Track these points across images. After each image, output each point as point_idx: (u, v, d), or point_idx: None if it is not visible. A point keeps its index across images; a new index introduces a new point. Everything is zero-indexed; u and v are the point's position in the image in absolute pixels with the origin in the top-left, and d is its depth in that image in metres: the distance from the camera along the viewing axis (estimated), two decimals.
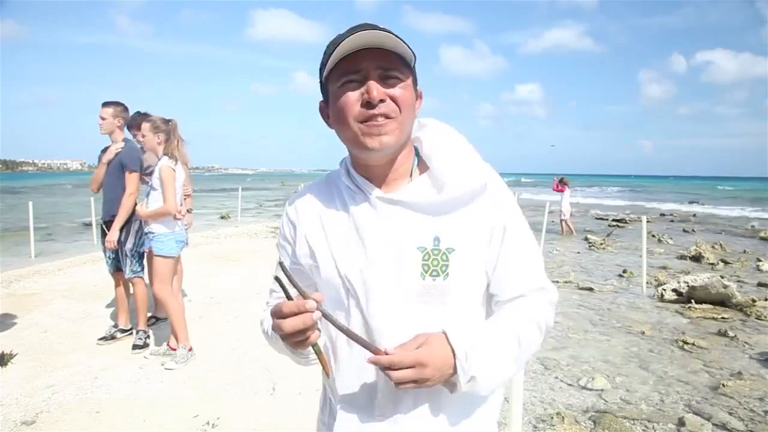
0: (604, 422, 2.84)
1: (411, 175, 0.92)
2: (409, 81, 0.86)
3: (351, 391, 0.90)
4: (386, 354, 0.77)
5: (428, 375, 0.76)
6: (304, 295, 0.76)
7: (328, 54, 0.83)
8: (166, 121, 3.53)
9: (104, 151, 3.98)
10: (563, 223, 12.18)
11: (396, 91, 0.83)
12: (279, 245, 1.03)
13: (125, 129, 4.45)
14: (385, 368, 0.76)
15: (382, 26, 0.85)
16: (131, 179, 3.78)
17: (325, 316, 0.77)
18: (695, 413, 2.98)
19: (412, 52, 0.87)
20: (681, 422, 2.87)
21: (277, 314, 0.78)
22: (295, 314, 0.75)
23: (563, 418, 2.87)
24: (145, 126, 3.53)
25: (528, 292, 0.90)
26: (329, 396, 0.99)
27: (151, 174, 3.78)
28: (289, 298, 0.77)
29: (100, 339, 3.88)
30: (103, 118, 3.80)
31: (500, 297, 0.91)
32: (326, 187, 0.98)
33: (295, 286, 0.76)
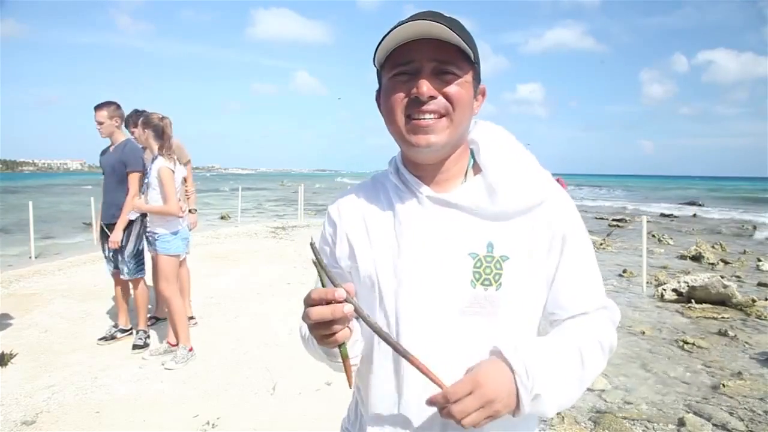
0: (604, 422, 2.84)
1: (465, 176, 0.86)
2: (468, 77, 0.80)
3: (384, 410, 0.84)
4: (438, 384, 0.70)
5: (491, 396, 0.67)
6: (334, 283, 0.71)
7: (381, 41, 0.77)
8: (161, 118, 3.55)
9: (104, 152, 3.96)
10: None
11: (450, 87, 0.77)
12: (320, 248, 0.95)
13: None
14: (444, 406, 0.68)
15: (446, 15, 0.78)
16: (134, 179, 3.77)
17: (356, 310, 0.71)
18: (695, 413, 2.98)
19: (475, 47, 0.80)
20: (681, 422, 2.86)
21: (307, 301, 0.72)
22: (324, 302, 0.69)
23: (563, 418, 2.87)
24: (140, 122, 3.60)
25: (591, 310, 0.83)
26: (360, 410, 0.92)
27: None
28: (323, 285, 0.73)
29: (100, 339, 3.88)
30: (100, 122, 3.77)
31: (559, 315, 0.84)
32: (372, 187, 0.92)
33: (326, 271, 0.72)
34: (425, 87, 0.75)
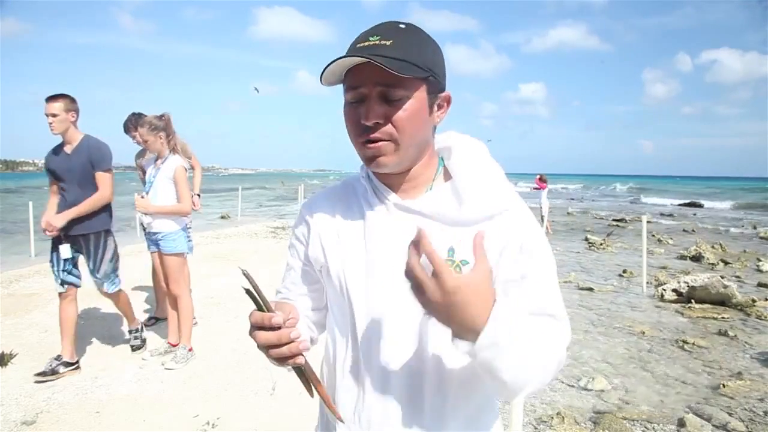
0: (604, 423, 2.84)
1: (433, 181, 0.89)
2: (420, 94, 0.80)
3: (351, 410, 0.86)
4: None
5: (436, 299, 0.65)
6: (269, 308, 0.74)
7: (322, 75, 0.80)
8: (160, 117, 3.50)
9: (57, 154, 3.37)
10: (543, 221, 12.02)
11: (396, 112, 0.78)
12: (290, 245, 1.00)
13: (121, 130, 4.40)
14: (420, 250, 0.65)
15: (401, 27, 0.80)
16: (107, 179, 3.34)
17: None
18: (695, 413, 2.98)
19: (426, 58, 0.79)
20: (681, 423, 2.86)
21: (251, 321, 0.75)
22: (262, 327, 0.73)
23: (563, 418, 2.87)
24: (142, 131, 3.47)
25: (540, 315, 0.82)
26: (326, 414, 0.95)
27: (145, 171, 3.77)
28: (259, 308, 0.74)
29: (38, 374, 3.24)
30: (54, 115, 3.20)
31: None
32: (344, 190, 0.95)
33: (261, 298, 0.73)
34: (370, 114, 0.77)
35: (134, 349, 3.72)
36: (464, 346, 0.69)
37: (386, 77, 0.76)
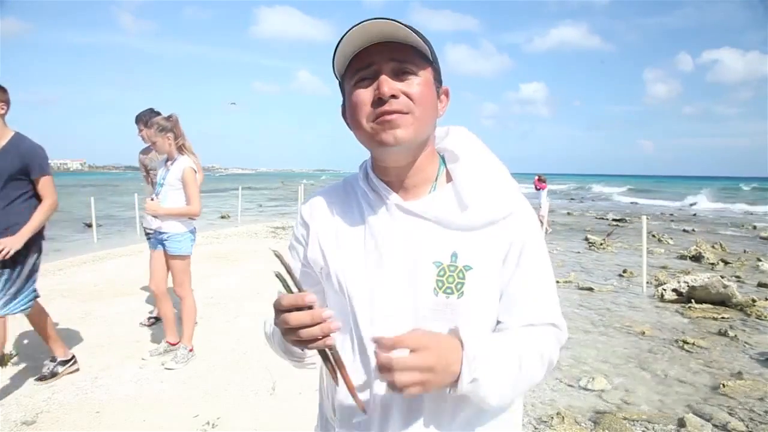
0: (604, 423, 2.84)
1: (436, 181, 0.88)
2: (428, 76, 0.82)
3: (350, 409, 0.85)
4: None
5: (432, 362, 0.67)
6: (300, 290, 0.73)
7: (336, 48, 0.80)
8: (167, 118, 3.49)
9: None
10: (543, 220, 12.00)
11: (410, 86, 0.79)
12: (290, 247, 0.99)
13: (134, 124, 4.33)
14: (387, 351, 0.67)
15: (394, 18, 0.80)
16: (50, 183, 2.92)
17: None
18: (695, 413, 2.98)
19: (429, 45, 0.81)
20: (681, 423, 2.86)
21: (277, 307, 0.73)
22: (296, 308, 0.71)
23: (563, 418, 2.87)
24: (150, 132, 3.48)
25: (537, 323, 0.83)
26: (326, 414, 0.95)
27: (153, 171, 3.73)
28: (289, 292, 0.74)
29: (38, 379, 3.20)
30: None
31: (506, 324, 0.84)
32: (343, 191, 0.94)
33: (294, 279, 0.72)
34: (386, 87, 0.77)
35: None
36: (452, 389, 0.72)
37: (399, 53, 0.78)
